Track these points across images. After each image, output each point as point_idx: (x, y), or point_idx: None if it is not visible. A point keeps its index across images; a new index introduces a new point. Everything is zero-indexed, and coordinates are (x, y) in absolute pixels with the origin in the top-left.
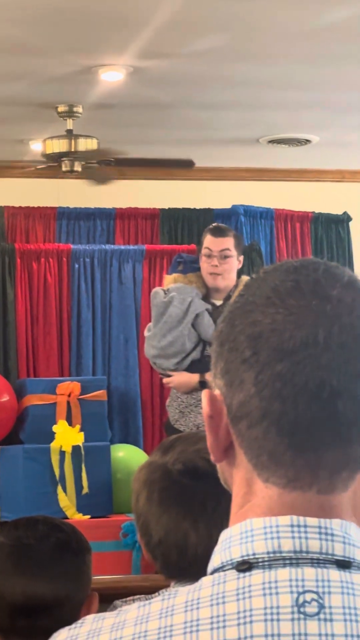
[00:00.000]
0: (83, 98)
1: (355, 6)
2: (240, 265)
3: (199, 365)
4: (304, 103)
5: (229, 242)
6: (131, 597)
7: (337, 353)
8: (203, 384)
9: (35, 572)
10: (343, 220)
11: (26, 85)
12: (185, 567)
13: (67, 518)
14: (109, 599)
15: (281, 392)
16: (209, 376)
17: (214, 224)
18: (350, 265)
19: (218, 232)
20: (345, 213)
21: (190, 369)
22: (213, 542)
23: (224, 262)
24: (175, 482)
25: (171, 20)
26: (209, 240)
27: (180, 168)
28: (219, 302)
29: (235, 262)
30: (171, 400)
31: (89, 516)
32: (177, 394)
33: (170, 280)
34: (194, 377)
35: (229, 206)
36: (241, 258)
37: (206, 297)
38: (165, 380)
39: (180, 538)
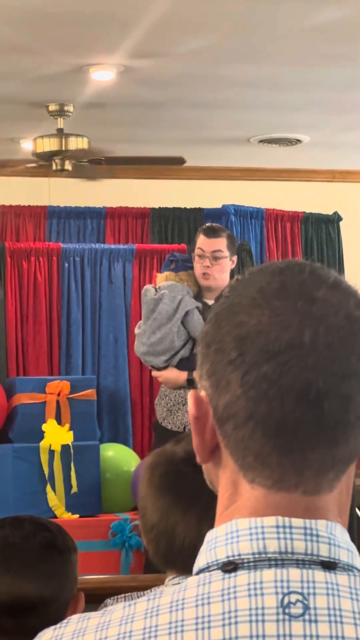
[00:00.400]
0: (74, 97)
1: (346, 7)
2: (233, 265)
3: (188, 363)
4: (294, 103)
5: (221, 243)
6: (122, 595)
7: (323, 354)
8: (191, 382)
9: (21, 571)
10: (333, 221)
11: (17, 84)
12: (173, 559)
13: (56, 517)
14: (95, 599)
15: (267, 393)
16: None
17: (207, 224)
18: (341, 265)
19: (211, 233)
20: (335, 213)
21: (179, 366)
22: (202, 536)
23: (215, 263)
24: (175, 468)
25: (162, 20)
26: (201, 241)
27: (171, 165)
28: (211, 302)
29: (228, 262)
30: (159, 398)
31: (77, 515)
32: (165, 392)
33: (162, 278)
34: (182, 375)
35: (219, 206)
36: (234, 258)
37: (198, 296)
38: (154, 373)
39: (169, 526)
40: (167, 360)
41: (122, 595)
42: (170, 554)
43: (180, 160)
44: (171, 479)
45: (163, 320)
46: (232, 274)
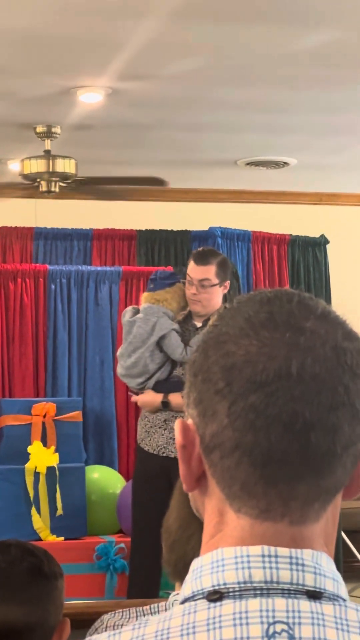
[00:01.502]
0: (61, 119)
1: (333, 31)
2: (225, 291)
3: (165, 385)
4: (282, 126)
5: (209, 271)
6: (119, 610)
7: (310, 385)
8: (165, 405)
9: (6, 597)
10: (320, 243)
11: (5, 106)
12: (179, 570)
13: (40, 540)
14: (80, 624)
15: (254, 424)
16: (172, 397)
17: (200, 249)
18: (327, 288)
19: (200, 260)
20: (322, 236)
21: (155, 389)
22: None
23: (203, 291)
24: None
25: (150, 43)
26: (190, 267)
27: (152, 185)
28: (199, 324)
29: (217, 290)
30: (140, 419)
31: (62, 538)
32: (145, 413)
33: (143, 299)
34: (158, 397)
35: (206, 228)
36: (227, 283)
37: (188, 317)
38: (132, 398)
39: (186, 536)
40: (142, 383)
41: (120, 610)
42: (179, 563)
43: (160, 182)
44: None
45: (138, 343)
46: (226, 297)
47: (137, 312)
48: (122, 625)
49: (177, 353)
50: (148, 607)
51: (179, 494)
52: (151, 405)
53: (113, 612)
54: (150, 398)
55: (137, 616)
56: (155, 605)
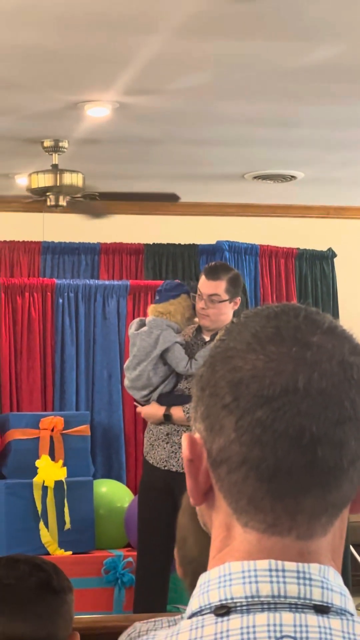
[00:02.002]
0: (69, 133)
1: (339, 45)
2: (236, 307)
3: (169, 398)
4: (289, 139)
5: (219, 286)
6: (152, 620)
7: (316, 400)
8: (167, 417)
9: (15, 612)
10: (328, 257)
11: (12, 121)
12: None
13: (48, 554)
14: (88, 639)
15: (261, 438)
16: (174, 410)
17: (212, 263)
18: (335, 301)
19: (210, 275)
20: (330, 249)
21: (159, 401)
22: None
23: (212, 306)
24: None
25: (157, 57)
26: (201, 282)
27: (164, 201)
28: (207, 338)
29: (226, 306)
30: (146, 431)
31: (70, 552)
32: (150, 427)
33: (149, 311)
34: (160, 410)
35: (213, 242)
36: (238, 299)
37: (199, 330)
38: (137, 409)
39: None
40: (146, 396)
41: (152, 619)
42: None
43: (173, 197)
44: None
45: (141, 356)
46: (236, 313)
47: (143, 324)
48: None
49: (180, 366)
50: (180, 615)
51: (191, 519)
52: (154, 418)
53: (146, 620)
54: (153, 410)
55: (169, 625)
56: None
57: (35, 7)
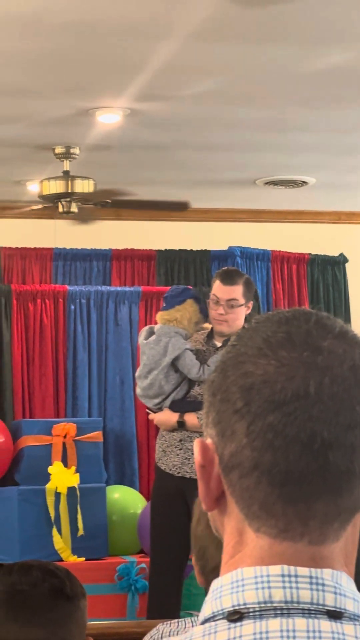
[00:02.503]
0: (80, 140)
1: (351, 50)
2: (249, 311)
3: (181, 405)
4: (300, 145)
5: (237, 291)
6: (175, 621)
7: (328, 404)
8: (181, 424)
9: (28, 619)
10: (339, 262)
11: (23, 127)
12: None
13: (62, 560)
14: None
15: (272, 443)
16: (187, 417)
17: (225, 269)
18: (347, 306)
19: (227, 280)
20: (341, 255)
21: (171, 408)
22: None
23: (230, 311)
24: None
25: (168, 63)
26: (217, 287)
27: (174, 210)
28: (219, 344)
29: (243, 310)
30: (158, 438)
31: (84, 558)
32: (162, 433)
33: (157, 319)
34: (174, 417)
35: (225, 247)
36: (250, 304)
37: (210, 336)
38: (150, 416)
39: None
40: (159, 403)
41: (175, 620)
42: None
43: (184, 205)
44: None
45: (152, 365)
46: (246, 318)
47: (152, 332)
48: (177, 633)
49: (193, 372)
50: (176, 622)
51: (208, 528)
52: (167, 424)
53: (169, 621)
54: (166, 417)
55: (192, 625)
56: (183, 620)
57: (46, 14)
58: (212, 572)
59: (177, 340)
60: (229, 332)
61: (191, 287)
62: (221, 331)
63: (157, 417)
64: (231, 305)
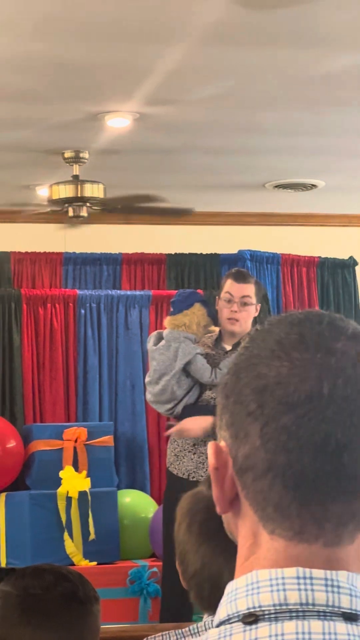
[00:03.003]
0: (89, 144)
1: (358, 54)
2: (257, 313)
3: (193, 409)
4: (309, 148)
5: (250, 289)
6: (160, 634)
7: (341, 406)
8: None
9: (41, 622)
10: (349, 265)
11: (33, 132)
12: (217, 603)
13: (73, 564)
14: None
15: (286, 445)
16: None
17: (235, 269)
18: (357, 309)
19: (240, 278)
20: (351, 258)
21: (183, 413)
22: None
23: (243, 309)
24: (217, 515)
25: (177, 68)
26: (230, 285)
27: (178, 216)
28: (229, 347)
29: (254, 310)
30: (169, 442)
31: (95, 563)
32: (174, 437)
33: (165, 324)
34: (207, 420)
35: (235, 251)
36: (259, 306)
37: (219, 340)
38: (172, 429)
39: (214, 573)
40: (171, 409)
41: (160, 634)
42: (215, 597)
43: (187, 212)
44: (212, 526)
45: (163, 370)
46: (255, 321)
47: (160, 337)
48: None
49: (205, 376)
50: (187, 628)
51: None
52: (197, 431)
53: (154, 635)
54: (197, 423)
55: (177, 639)
56: (195, 626)
57: (55, 19)
58: (192, 577)
59: (186, 345)
60: (240, 332)
61: (198, 291)
62: (232, 331)
63: (186, 426)
64: (244, 302)
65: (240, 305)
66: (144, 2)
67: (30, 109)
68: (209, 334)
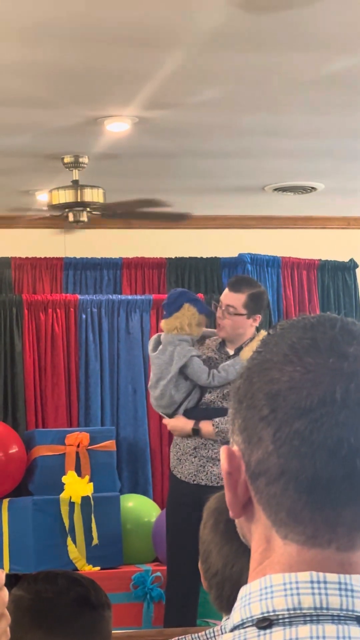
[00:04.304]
0: (89, 149)
1: (358, 56)
2: (256, 324)
3: (194, 413)
4: (309, 151)
5: (237, 299)
6: (176, 637)
7: (354, 411)
8: (196, 432)
9: (53, 627)
10: (349, 267)
11: (32, 137)
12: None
13: (77, 570)
14: None
15: (299, 450)
16: (203, 425)
17: (235, 276)
18: (358, 312)
19: (232, 287)
20: (351, 260)
21: (185, 415)
22: None
23: (227, 317)
24: None
25: (175, 72)
26: (224, 292)
27: (175, 221)
28: (231, 352)
29: (244, 321)
30: (172, 446)
31: (98, 567)
32: (176, 441)
33: (161, 327)
34: (189, 424)
35: (235, 254)
36: (258, 317)
37: (223, 343)
38: (164, 420)
39: (235, 572)
40: (172, 413)
41: (176, 637)
42: (234, 598)
43: (184, 217)
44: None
45: (160, 375)
46: (258, 329)
47: (159, 341)
48: None
49: (202, 379)
50: (203, 632)
51: (212, 532)
52: (181, 431)
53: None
54: (181, 424)
55: None
56: (211, 630)
57: (54, 23)
58: (214, 576)
59: (182, 348)
60: (228, 339)
61: (186, 290)
62: (221, 336)
63: (172, 423)
64: (228, 311)
65: (226, 312)
66: (144, 7)
67: (30, 114)
68: (214, 337)
